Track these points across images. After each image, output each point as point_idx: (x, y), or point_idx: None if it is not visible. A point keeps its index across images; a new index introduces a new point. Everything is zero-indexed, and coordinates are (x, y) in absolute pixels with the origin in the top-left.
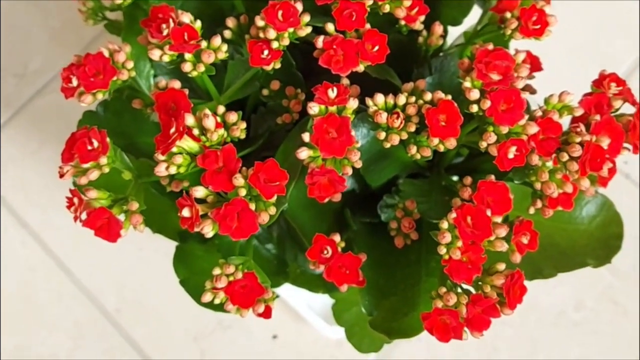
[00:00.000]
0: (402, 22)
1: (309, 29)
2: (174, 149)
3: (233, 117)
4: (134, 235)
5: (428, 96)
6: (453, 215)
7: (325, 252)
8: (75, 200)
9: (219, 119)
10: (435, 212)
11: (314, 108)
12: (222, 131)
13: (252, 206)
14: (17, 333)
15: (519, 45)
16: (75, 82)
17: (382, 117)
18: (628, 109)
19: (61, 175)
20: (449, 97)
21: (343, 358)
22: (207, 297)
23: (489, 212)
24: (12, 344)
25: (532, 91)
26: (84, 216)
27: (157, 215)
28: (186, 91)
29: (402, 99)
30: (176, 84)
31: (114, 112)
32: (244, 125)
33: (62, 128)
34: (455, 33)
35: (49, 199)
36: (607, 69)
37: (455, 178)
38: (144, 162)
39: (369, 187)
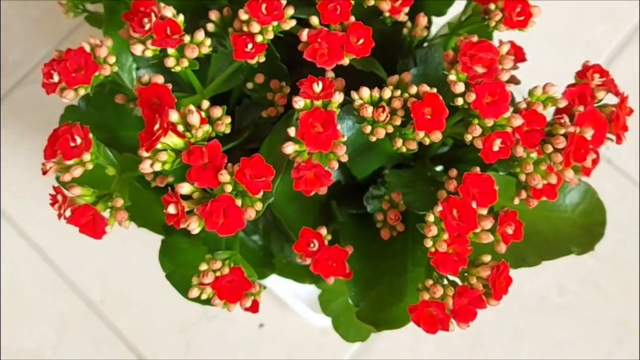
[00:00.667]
0: (387, 14)
1: (293, 22)
2: (159, 146)
3: (217, 111)
4: (117, 226)
5: (413, 89)
6: (439, 208)
7: (312, 245)
8: (59, 197)
9: (203, 114)
10: (421, 203)
11: (299, 102)
12: (207, 127)
13: (239, 202)
14: (1, 326)
15: (502, 34)
16: (56, 78)
17: (368, 111)
18: (611, 99)
19: (44, 172)
20: (434, 90)
21: (329, 345)
22: (194, 293)
23: (474, 205)
24: None
25: (516, 82)
26: (68, 213)
27: (141, 209)
28: (169, 86)
29: (387, 93)
30: (159, 79)
31: (96, 106)
32: (228, 120)
33: (42, 119)
34: (439, 22)
35: (29, 191)
36: (588, 56)
37: (439, 168)
38: (128, 156)
39: (354, 178)
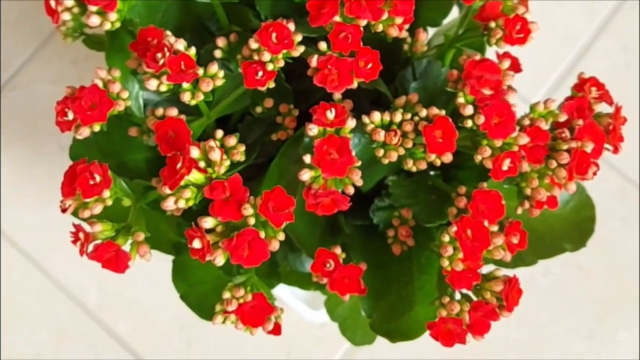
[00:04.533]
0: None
1: (302, 49)
2: (181, 182)
3: (232, 141)
4: None
5: (423, 112)
6: (454, 229)
7: (328, 265)
8: (81, 235)
9: (217, 143)
10: (426, 215)
11: (313, 130)
12: (227, 163)
13: (262, 234)
14: (1, 334)
15: None
16: (70, 116)
17: (380, 135)
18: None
19: (63, 210)
20: (443, 112)
21: (327, 338)
22: (218, 320)
23: (486, 223)
24: None
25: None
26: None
27: (150, 230)
28: (184, 117)
29: (398, 117)
30: (173, 112)
31: (103, 133)
32: (243, 148)
33: (25, 126)
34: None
35: (18, 199)
36: (564, 44)
37: (432, 173)
38: (139, 183)
39: (358, 189)
